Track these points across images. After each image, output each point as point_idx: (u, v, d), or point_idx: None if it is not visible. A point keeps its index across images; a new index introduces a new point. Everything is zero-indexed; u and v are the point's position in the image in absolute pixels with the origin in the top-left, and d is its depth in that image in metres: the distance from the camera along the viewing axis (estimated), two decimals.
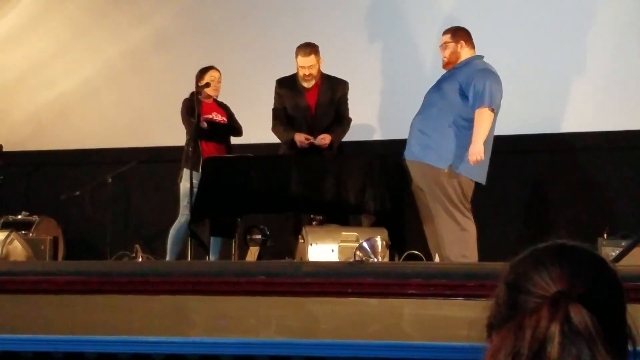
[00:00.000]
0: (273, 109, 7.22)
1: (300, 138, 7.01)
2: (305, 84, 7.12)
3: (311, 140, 7.00)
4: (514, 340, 1.33)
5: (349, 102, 7.23)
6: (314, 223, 6.72)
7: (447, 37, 6.45)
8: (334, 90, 7.16)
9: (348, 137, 7.28)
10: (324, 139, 7.01)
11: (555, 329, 1.31)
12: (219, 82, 7.61)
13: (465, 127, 6.20)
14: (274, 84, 7.25)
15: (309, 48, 7.09)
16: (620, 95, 7.57)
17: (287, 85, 7.17)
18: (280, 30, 8.53)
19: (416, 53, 8.16)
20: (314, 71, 7.09)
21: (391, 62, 8.32)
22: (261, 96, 7.52)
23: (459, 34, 6.44)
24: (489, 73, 6.25)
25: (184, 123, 7.47)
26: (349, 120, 7.22)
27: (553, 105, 7.81)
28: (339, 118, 7.18)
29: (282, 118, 7.15)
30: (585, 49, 7.70)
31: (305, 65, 7.06)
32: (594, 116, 7.64)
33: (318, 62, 7.11)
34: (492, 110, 6.17)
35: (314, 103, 7.14)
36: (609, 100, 7.60)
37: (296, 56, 7.11)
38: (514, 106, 7.04)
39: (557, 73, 7.77)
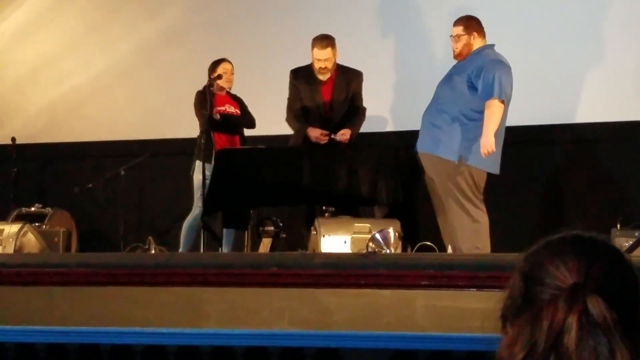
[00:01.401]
0: (288, 99, 7.18)
1: (315, 133, 6.96)
2: (321, 77, 7.05)
3: (327, 136, 6.92)
4: (531, 332, 1.33)
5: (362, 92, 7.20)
6: (326, 215, 6.72)
7: (460, 29, 6.41)
8: (349, 83, 7.10)
9: (360, 128, 7.25)
10: (345, 135, 6.94)
11: (572, 320, 1.31)
12: (232, 74, 7.61)
13: (476, 119, 6.18)
14: (285, 77, 7.21)
15: (326, 41, 7.02)
16: (634, 85, 7.53)
17: (302, 76, 7.11)
18: (291, 23, 8.52)
19: (428, 44, 8.14)
20: (330, 64, 7.02)
21: (403, 53, 8.31)
22: (273, 88, 7.51)
23: (471, 24, 6.40)
24: (499, 64, 6.23)
25: (196, 115, 7.48)
26: (364, 110, 7.17)
27: (567, 95, 7.78)
28: (354, 109, 7.12)
29: (297, 109, 7.10)
30: (600, 38, 7.67)
31: (321, 58, 6.99)
32: (608, 106, 7.61)
33: (334, 55, 7.04)
34: (503, 102, 6.14)
35: (330, 97, 7.07)
36: (623, 90, 7.57)
37: (312, 48, 7.04)
38: (528, 96, 7.02)
39: (571, 63, 7.74)
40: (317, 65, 7.02)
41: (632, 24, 7.59)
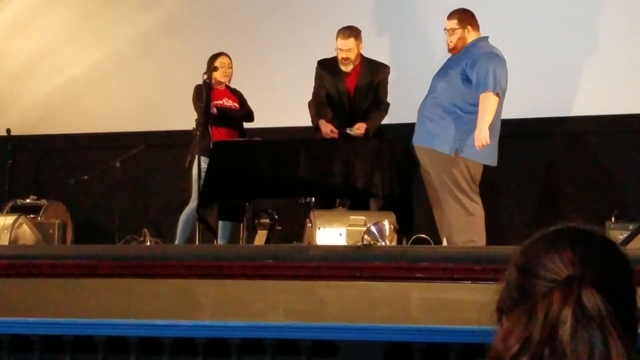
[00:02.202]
0: (313, 88, 7.12)
1: (326, 129, 6.93)
2: (344, 68, 6.98)
3: (336, 133, 6.88)
4: (526, 324, 1.33)
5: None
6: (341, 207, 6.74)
7: (454, 23, 6.40)
8: (373, 75, 7.04)
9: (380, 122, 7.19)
10: (360, 129, 6.88)
11: (567, 313, 1.31)
12: (230, 67, 7.59)
13: (471, 112, 6.19)
14: (285, 69, 7.21)
15: (349, 31, 6.97)
16: (630, 78, 7.54)
17: (328, 68, 7.07)
18: (290, 16, 8.50)
19: (423, 37, 8.13)
20: (352, 55, 6.96)
21: (399, 46, 8.29)
22: (272, 80, 7.49)
23: (465, 18, 6.40)
24: (494, 56, 6.23)
25: (195, 109, 7.47)
26: (387, 104, 7.09)
27: (562, 88, 7.78)
28: (376, 102, 7.06)
29: (321, 99, 7.04)
30: (597, 31, 7.67)
31: (343, 48, 6.93)
32: (603, 100, 7.61)
33: (358, 46, 6.97)
34: (497, 95, 6.15)
35: (354, 88, 7.01)
36: (618, 83, 7.57)
37: (336, 38, 7.00)
38: (523, 89, 7.01)
39: (566, 56, 7.73)
40: (339, 56, 6.97)
41: (627, 17, 7.59)
